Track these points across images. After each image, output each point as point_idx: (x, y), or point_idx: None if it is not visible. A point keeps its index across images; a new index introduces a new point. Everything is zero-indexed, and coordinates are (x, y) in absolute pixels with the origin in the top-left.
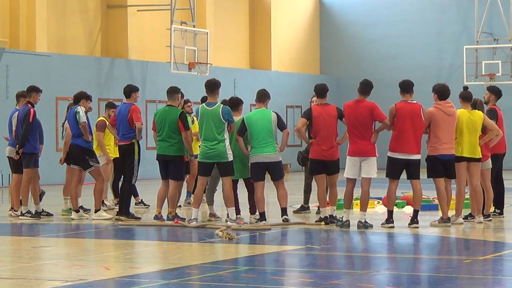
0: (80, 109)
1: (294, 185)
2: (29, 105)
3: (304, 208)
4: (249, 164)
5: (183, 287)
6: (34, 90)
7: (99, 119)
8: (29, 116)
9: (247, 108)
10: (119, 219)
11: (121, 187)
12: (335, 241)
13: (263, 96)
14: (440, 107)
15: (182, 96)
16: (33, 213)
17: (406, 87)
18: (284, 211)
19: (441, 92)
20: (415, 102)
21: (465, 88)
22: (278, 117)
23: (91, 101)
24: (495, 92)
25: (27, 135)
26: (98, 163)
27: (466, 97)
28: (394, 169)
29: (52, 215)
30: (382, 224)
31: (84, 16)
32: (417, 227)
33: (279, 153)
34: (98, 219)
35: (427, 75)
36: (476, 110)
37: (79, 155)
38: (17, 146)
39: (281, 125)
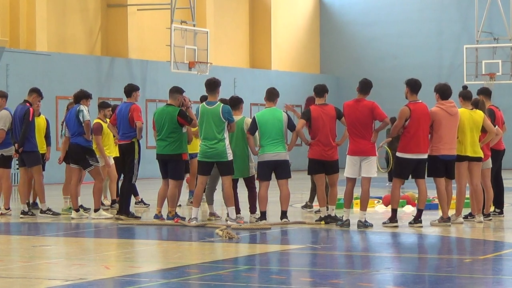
0: (84, 108)
1: (295, 185)
2: (27, 104)
3: (307, 205)
4: (257, 163)
5: (183, 286)
6: (36, 92)
7: (95, 121)
8: (29, 115)
9: (247, 107)
10: (119, 218)
11: (121, 186)
12: (335, 241)
13: (272, 95)
14: (442, 107)
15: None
16: (46, 210)
17: (417, 87)
18: (284, 214)
19: (443, 92)
20: (420, 101)
21: (465, 87)
22: (289, 118)
23: (91, 98)
24: (483, 92)
25: (27, 134)
26: (98, 162)
27: (466, 96)
28: (404, 169)
29: (36, 215)
30: (385, 223)
31: (84, 15)
32: (421, 227)
33: (288, 153)
34: (98, 218)
35: (427, 75)
36: (477, 110)
37: (78, 154)
38: (17, 145)
39: (291, 126)
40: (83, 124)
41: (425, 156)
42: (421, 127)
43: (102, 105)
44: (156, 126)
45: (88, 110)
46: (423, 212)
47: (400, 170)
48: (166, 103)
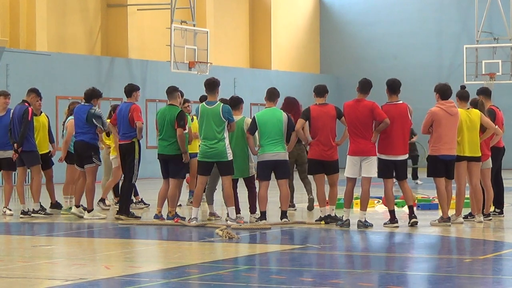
0: (100, 113)
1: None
2: (26, 104)
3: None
4: (257, 163)
5: (183, 286)
6: (34, 92)
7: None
8: (28, 115)
9: (247, 107)
10: (119, 218)
11: (121, 186)
12: (335, 240)
13: (272, 95)
14: (442, 107)
15: (182, 95)
16: (38, 210)
17: (395, 87)
18: (284, 214)
19: (443, 92)
20: (401, 102)
21: (463, 87)
22: (289, 118)
23: (101, 97)
24: (483, 92)
25: (26, 133)
26: (100, 161)
27: (463, 96)
28: (385, 169)
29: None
30: (386, 224)
31: (84, 15)
32: (416, 222)
33: (287, 153)
34: (91, 219)
35: (427, 75)
36: (473, 109)
37: (85, 150)
38: (16, 145)
39: (291, 126)
40: (105, 129)
41: (402, 158)
42: (396, 129)
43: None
44: (158, 126)
45: (100, 111)
46: (423, 211)
47: (382, 171)
48: (168, 103)
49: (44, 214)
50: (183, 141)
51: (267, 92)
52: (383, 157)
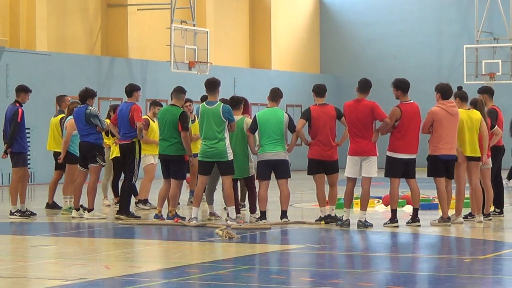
0: (96, 112)
1: (295, 185)
2: (17, 105)
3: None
4: (257, 162)
5: (183, 286)
6: (22, 90)
7: (144, 117)
8: (18, 116)
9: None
10: (119, 218)
11: (121, 186)
12: (335, 240)
13: (275, 95)
14: (443, 106)
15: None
16: (14, 212)
17: (406, 88)
18: (284, 213)
19: (445, 92)
20: (412, 101)
21: (459, 88)
22: (290, 118)
23: (96, 96)
24: (486, 91)
25: (15, 134)
26: (104, 162)
27: (463, 96)
28: (395, 168)
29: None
30: (386, 223)
31: (84, 15)
32: (419, 225)
33: (287, 153)
34: (91, 219)
35: (427, 75)
36: (474, 110)
37: (89, 151)
38: (6, 145)
39: (292, 127)
40: (104, 127)
41: (414, 156)
42: (411, 128)
43: (154, 104)
44: (159, 126)
45: (96, 109)
46: (423, 211)
47: (392, 170)
48: (171, 103)
49: (20, 216)
50: (188, 143)
51: (270, 92)
52: (395, 155)
